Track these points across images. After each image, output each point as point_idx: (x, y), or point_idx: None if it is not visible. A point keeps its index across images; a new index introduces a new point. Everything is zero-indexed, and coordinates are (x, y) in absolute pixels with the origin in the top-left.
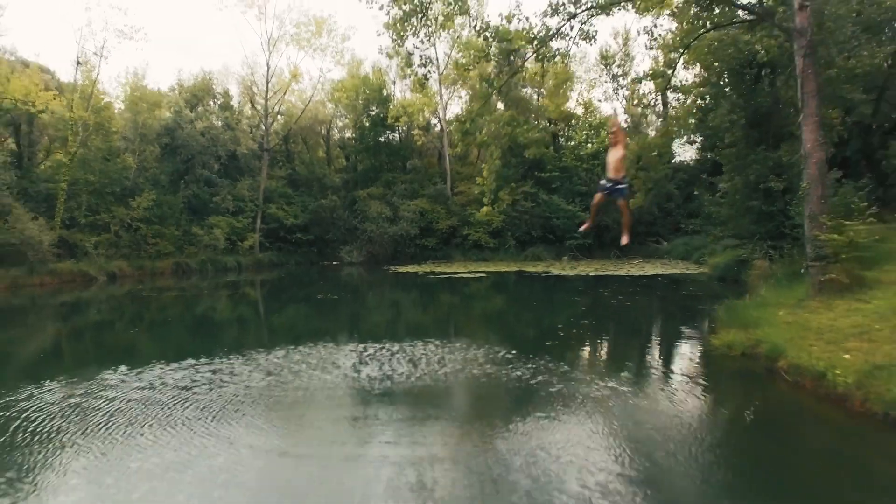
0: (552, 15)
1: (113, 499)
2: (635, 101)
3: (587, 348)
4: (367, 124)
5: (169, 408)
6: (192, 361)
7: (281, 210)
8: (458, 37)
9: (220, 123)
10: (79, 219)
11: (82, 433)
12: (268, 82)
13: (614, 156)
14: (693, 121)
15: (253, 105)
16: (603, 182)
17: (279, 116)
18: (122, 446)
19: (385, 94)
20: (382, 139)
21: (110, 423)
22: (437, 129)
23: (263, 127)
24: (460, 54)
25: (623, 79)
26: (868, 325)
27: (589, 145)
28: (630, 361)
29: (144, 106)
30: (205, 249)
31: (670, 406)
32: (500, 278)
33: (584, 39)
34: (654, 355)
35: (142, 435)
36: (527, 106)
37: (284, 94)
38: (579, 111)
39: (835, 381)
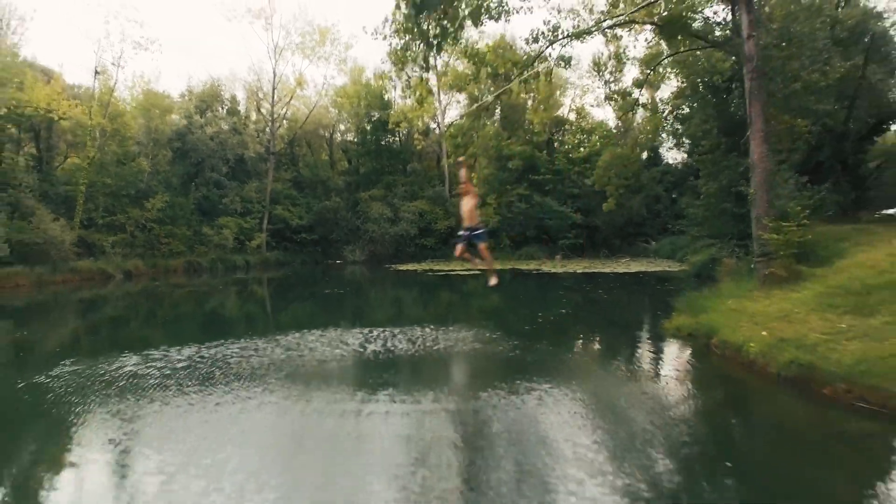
0: (533, 42)
1: (178, 438)
2: (618, 111)
3: (560, 331)
4: (369, 128)
5: (209, 374)
6: (220, 341)
7: (287, 211)
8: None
9: (227, 128)
10: (96, 219)
11: (153, 389)
12: (274, 89)
13: (467, 205)
14: (664, 133)
15: (259, 110)
16: (461, 233)
17: (284, 121)
18: (175, 401)
19: (386, 99)
20: (383, 143)
21: (165, 385)
22: (437, 132)
23: (270, 131)
24: (458, 61)
25: (614, 84)
26: (790, 309)
27: (581, 149)
28: (594, 341)
29: (157, 112)
30: (214, 249)
31: (621, 373)
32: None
33: (562, 62)
34: (616, 336)
35: (192, 393)
36: (521, 110)
37: (290, 100)
38: (572, 116)
39: (748, 352)
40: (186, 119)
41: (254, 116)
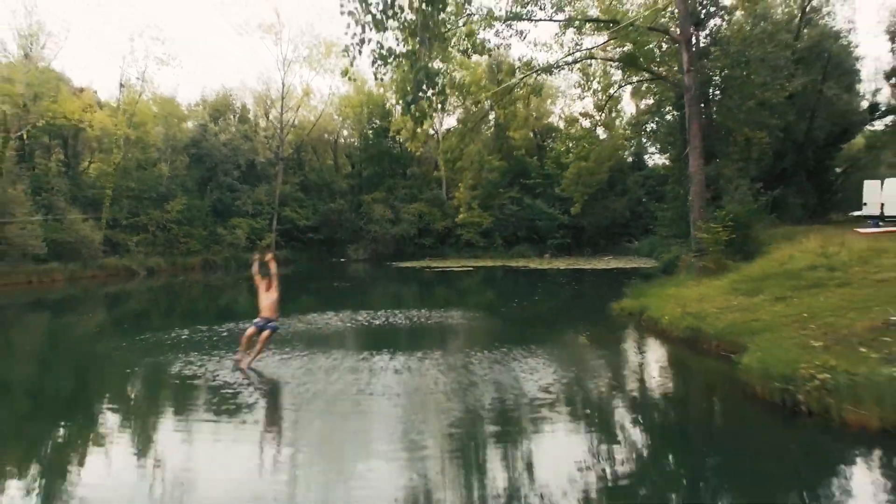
0: (510, 74)
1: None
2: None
3: (529, 312)
4: (371, 135)
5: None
6: (249, 319)
7: (294, 212)
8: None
9: (239, 135)
10: (121, 220)
11: (209, 348)
12: (283, 99)
13: (270, 298)
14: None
15: (268, 117)
16: (257, 320)
17: (292, 128)
18: (227, 354)
19: (387, 107)
20: (384, 148)
21: (216, 346)
22: (435, 138)
23: (278, 138)
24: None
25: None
26: (707, 293)
27: (570, 154)
28: (554, 318)
29: (175, 120)
30: (228, 247)
31: (568, 337)
32: (487, 272)
33: (534, 92)
34: (572, 314)
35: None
36: (505, 127)
37: (297, 109)
38: (562, 124)
39: (661, 323)
40: (201, 127)
41: (263, 123)
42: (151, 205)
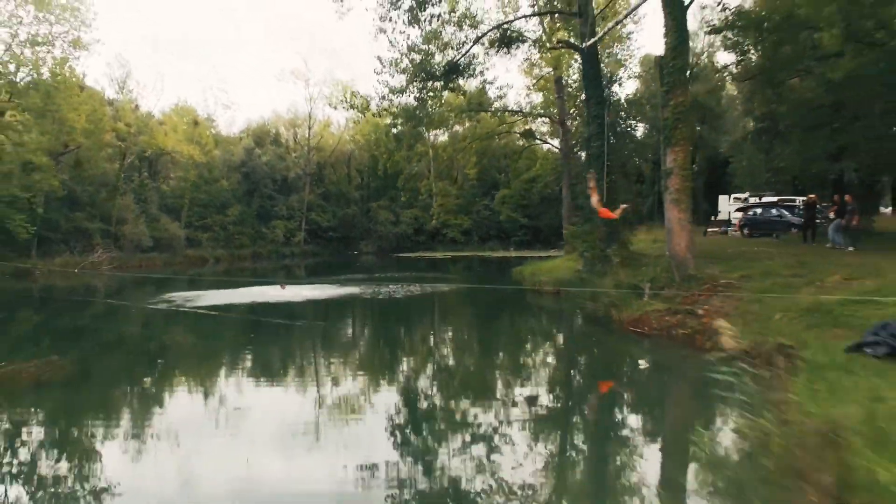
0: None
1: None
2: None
3: (476, 277)
4: (377, 154)
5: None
6: (301, 283)
7: (318, 216)
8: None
9: (275, 156)
10: (194, 222)
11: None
12: (310, 129)
13: None
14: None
15: (296, 140)
16: None
17: (315, 150)
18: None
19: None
20: (388, 165)
21: (295, 276)
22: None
23: (306, 157)
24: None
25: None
26: (562, 263)
27: (530, 171)
28: (490, 278)
29: (231, 148)
30: (270, 243)
31: (488, 289)
32: (464, 260)
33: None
34: (500, 274)
35: (312, 281)
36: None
37: (320, 138)
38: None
39: (526, 277)
40: (247, 151)
41: (292, 145)
42: (215, 211)
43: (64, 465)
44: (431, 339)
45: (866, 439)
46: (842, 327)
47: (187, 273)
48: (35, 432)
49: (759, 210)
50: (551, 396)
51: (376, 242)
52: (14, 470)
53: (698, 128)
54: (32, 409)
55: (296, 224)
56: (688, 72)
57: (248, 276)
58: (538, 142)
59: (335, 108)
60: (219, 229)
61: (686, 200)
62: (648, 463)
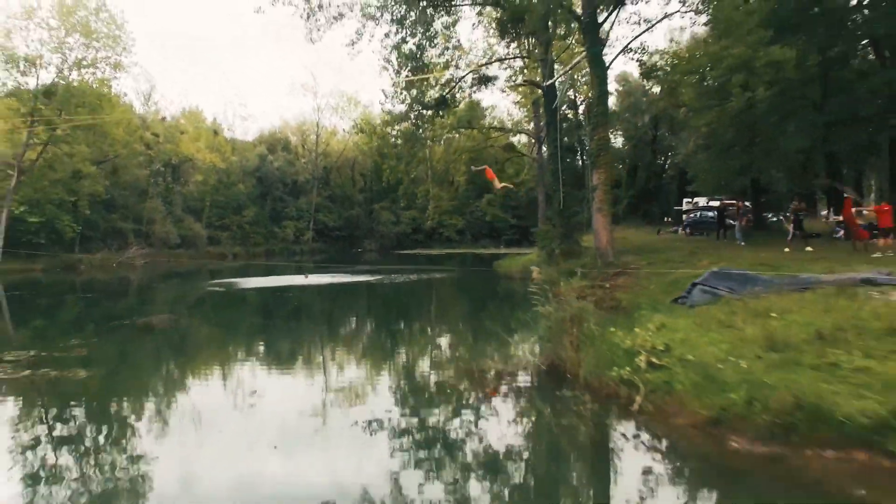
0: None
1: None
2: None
3: (469, 269)
4: (379, 160)
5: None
6: (323, 273)
7: (325, 216)
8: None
9: (286, 162)
10: (214, 222)
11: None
12: (317, 137)
13: None
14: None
15: (304, 147)
16: None
17: (322, 156)
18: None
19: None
20: (388, 170)
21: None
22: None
23: (314, 163)
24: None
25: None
26: (533, 257)
27: (519, 175)
28: (470, 266)
29: (247, 154)
30: (281, 241)
31: (468, 274)
32: (459, 256)
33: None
34: (479, 265)
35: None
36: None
37: (327, 146)
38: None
39: (502, 270)
40: (261, 157)
41: (301, 151)
42: (232, 212)
43: (216, 373)
44: (424, 301)
45: (618, 327)
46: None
47: (211, 265)
48: (176, 355)
49: (698, 213)
50: (486, 315)
51: (378, 241)
52: (175, 374)
53: (667, 134)
54: (169, 341)
55: (305, 224)
56: (607, 114)
57: (262, 270)
58: (518, 154)
59: (340, 117)
60: (236, 228)
61: (607, 209)
62: (482, 333)
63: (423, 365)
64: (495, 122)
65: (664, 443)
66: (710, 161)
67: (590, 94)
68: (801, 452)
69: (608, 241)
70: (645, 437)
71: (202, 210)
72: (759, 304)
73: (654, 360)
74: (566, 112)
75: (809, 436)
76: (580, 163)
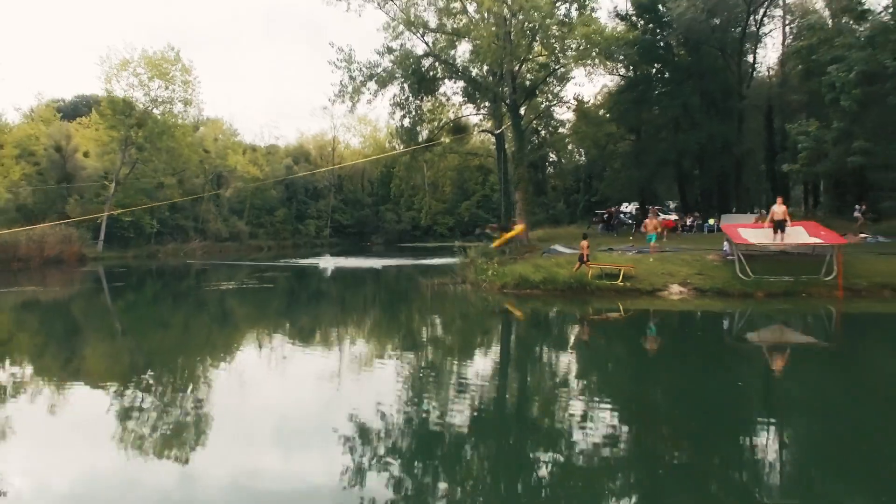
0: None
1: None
2: None
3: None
4: (385, 171)
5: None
6: (345, 257)
7: (340, 216)
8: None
9: (307, 171)
10: (252, 220)
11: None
12: (333, 150)
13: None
14: None
15: (322, 158)
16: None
17: (338, 166)
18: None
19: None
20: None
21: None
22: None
23: (330, 172)
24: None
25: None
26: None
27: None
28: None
29: (277, 165)
30: (304, 236)
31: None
32: (449, 248)
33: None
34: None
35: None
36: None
37: (341, 158)
38: None
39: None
40: (287, 168)
41: (319, 162)
42: (266, 213)
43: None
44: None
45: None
46: None
47: (249, 256)
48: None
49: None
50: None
51: (384, 236)
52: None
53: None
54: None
55: (323, 222)
56: (524, 159)
57: (296, 258)
58: (488, 170)
59: (352, 134)
60: (269, 226)
61: (525, 215)
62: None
63: (409, 283)
64: (475, 143)
65: (486, 295)
66: (606, 181)
67: (549, 128)
68: (528, 293)
69: (525, 232)
70: (481, 294)
71: (244, 211)
72: (551, 257)
73: (497, 272)
74: (533, 137)
75: (540, 288)
76: (541, 176)
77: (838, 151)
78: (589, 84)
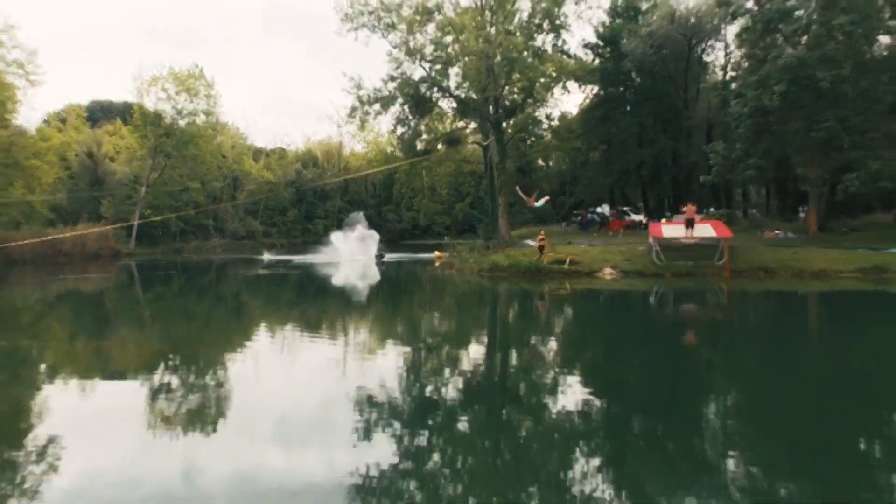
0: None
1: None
2: None
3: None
4: (388, 175)
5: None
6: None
7: (345, 216)
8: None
9: (314, 175)
10: (266, 220)
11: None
12: (340, 156)
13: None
14: None
15: (329, 163)
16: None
17: (344, 169)
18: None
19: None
20: (397, 196)
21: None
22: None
23: (337, 175)
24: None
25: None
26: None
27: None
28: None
29: (287, 169)
30: (313, 235)
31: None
32: (446, 245)
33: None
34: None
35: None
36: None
37: (347, 162)
38: None
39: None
40: (297, 172)
41: (326, 166)
42: (278, 213)
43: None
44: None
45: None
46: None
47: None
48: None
49: (589, 214)
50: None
51: (386, 235)
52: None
53: None
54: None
55: (330, 222)
56: (506, 169)
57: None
58: (480, 175)
59: (357, 140)
60: (281, 225)
61: (506, 216)
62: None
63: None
64: (468, 151)
65: (468, 277)
66: (580, 186)
67: (531, 138)
68: (499, 274)
69: (506, 230)
70: (462, 276)
71: (258, 211)
72: (522, 249)
73: (476, 260)
74: (519, 143)
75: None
76: (528, 179)
77: (739, 168)
78: (570, 99)
